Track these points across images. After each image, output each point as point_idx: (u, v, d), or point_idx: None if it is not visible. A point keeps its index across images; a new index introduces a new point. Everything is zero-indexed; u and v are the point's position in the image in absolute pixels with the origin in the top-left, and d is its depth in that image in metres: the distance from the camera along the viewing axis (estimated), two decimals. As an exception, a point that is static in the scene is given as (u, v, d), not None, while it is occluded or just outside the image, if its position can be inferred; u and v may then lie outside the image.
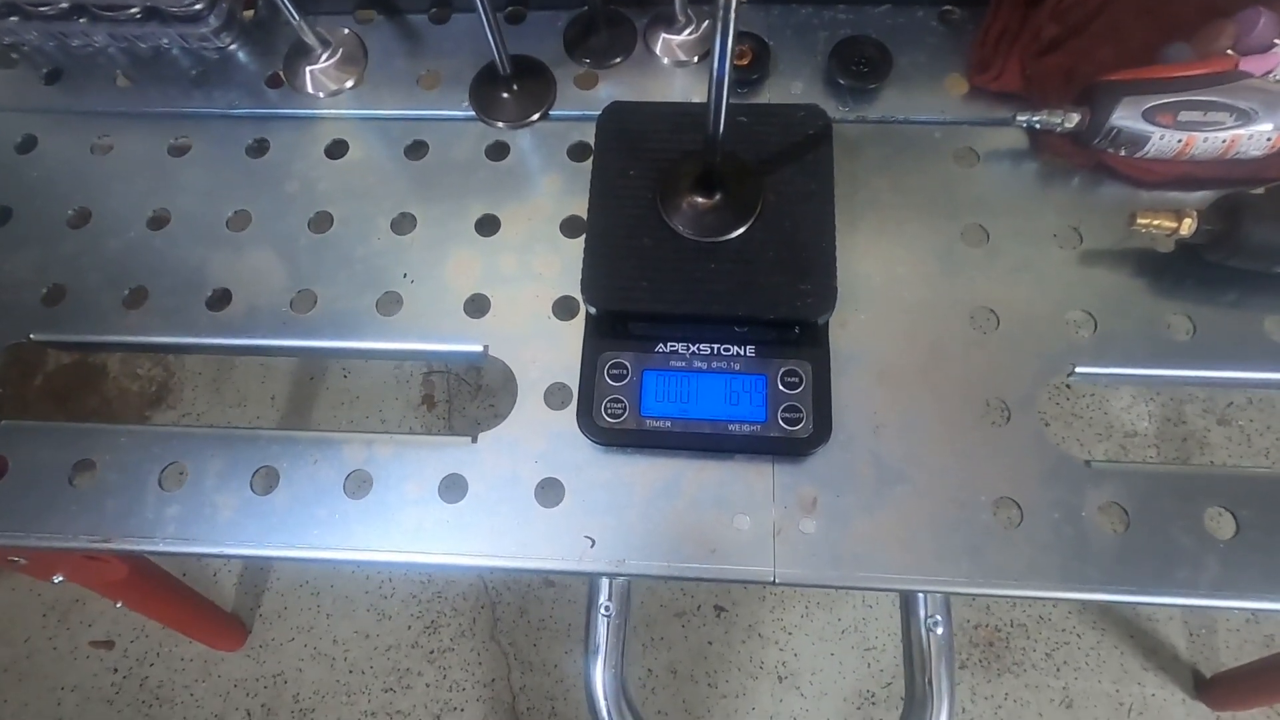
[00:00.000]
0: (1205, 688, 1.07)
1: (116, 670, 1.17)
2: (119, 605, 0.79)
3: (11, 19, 0.53)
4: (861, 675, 1.11)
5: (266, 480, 0.44)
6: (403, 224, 0.50)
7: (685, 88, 0.54)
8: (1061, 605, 1.15)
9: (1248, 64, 0.46)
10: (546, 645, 1.16)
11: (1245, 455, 1.21)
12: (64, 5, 0.51)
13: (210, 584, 1.19)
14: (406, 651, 1.17)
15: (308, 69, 0.54)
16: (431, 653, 1.17)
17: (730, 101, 0.37)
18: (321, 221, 0.51)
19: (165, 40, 0.54)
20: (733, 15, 0.31)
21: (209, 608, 1.05)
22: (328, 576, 1.23)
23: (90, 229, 0.51)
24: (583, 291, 0.43)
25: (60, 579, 0.66)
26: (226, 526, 0.43)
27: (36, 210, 0.52)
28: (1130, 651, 1.12)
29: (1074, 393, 1.27)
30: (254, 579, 1.23)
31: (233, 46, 0.55)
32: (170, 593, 0.89)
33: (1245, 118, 0.45)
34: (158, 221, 0.51)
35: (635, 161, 0.45)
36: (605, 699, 0.44)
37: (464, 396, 1.32)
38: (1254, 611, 0.41)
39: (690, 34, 0.53)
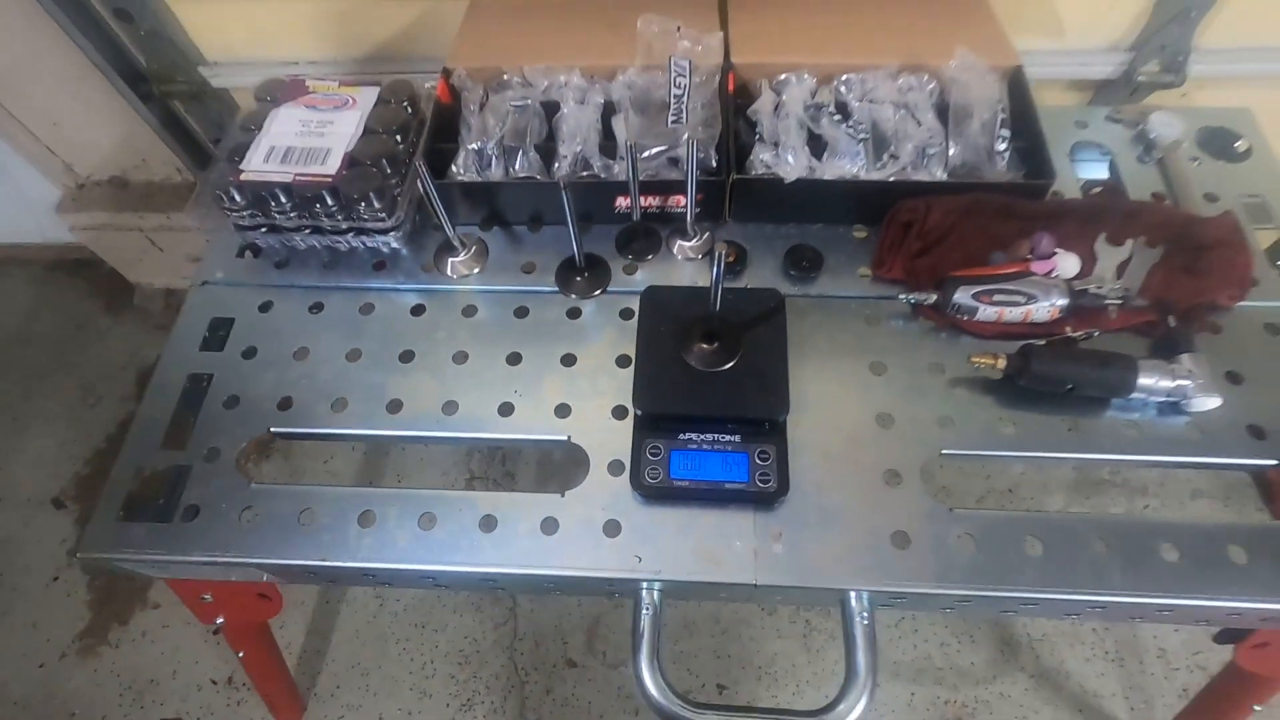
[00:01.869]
0: (1145, 755, 1.22)
1: (185, 745, 1.31)
2: (240, 655, 0.98)
3: (261, 230, 0.83)
4: (847, 746, 1.26)
5: (428, 521, 0.69)
6: (514, 359, 0.78)
7: (693, 274, 0.83)
8: (1020, 684, 1.32)
9: (1036, 267, 0.76)
10: (569, 721, 1.32)
11: (1149, 497, 1.46)
12: (303, 226, 0.81)
13: (276, 663, 1.35)
14: (445, 727, 1.32)
15: (450, 260, 0.84)
16: (468, 728, 1.32)
17: (722, 286, 0.65)
18: (460, 357, 0.78)
19: (359, 243, 0.84)
20: (722, 257, 0.60)
21: (289, 679, 1.22)
22: (376, 658, 1.40)
23: (308, 361, 0.79)
24: (634, 401, 0.70)
25: (221, 620, 0.87)
26: (403, 551, 0.67)
27: (273, 349, 0.80)
28: (1081, 726, 1.28)
29: (1015, 496, 1.51)
30: (310, 660, 1.39)
31: (400, 245, 0.85)
32: (274, 654, 1.08)
33: (1033, 299, 0.74)
34: (353, 356, 0.79)
35: (664, 322, 0.73)
36: (648, 674, 0.65)
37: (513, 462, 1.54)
38: (1056, 601, 0.64)
39: (696, 241, 0.84)
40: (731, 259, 0.82)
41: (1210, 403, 0.69)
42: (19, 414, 1.70)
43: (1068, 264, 0.77)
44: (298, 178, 0.79)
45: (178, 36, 1.18)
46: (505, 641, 1.40)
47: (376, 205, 0.78)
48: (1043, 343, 0.73)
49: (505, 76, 0.89)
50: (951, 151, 0.80)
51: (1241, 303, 0.76)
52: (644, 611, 0.66)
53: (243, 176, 0.79)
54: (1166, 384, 0.69)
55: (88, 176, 1.61)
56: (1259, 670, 0.81)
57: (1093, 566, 0.64)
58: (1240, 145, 0.91)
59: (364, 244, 0.84)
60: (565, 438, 0.73)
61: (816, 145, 0.82)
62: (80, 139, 1.51)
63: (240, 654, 0.98)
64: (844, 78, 0.86)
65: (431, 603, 1.45)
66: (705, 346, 0.71)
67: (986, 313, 0.74)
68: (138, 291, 1.84)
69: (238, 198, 0.79)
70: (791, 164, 0.79)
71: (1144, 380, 0.69)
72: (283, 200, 0.79)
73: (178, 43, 1.18)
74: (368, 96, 0.86)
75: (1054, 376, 0.70)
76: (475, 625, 1.42)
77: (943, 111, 0.83)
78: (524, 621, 1.42)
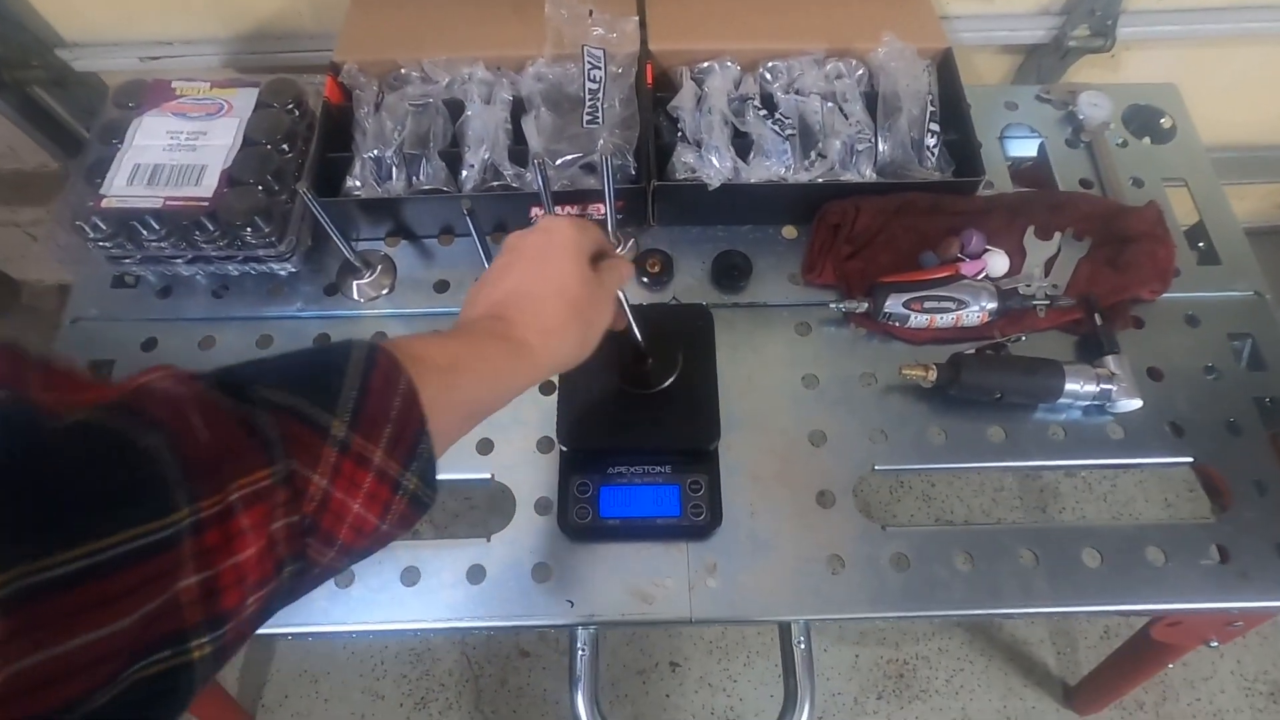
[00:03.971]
0: (1071, 695, 1.31)
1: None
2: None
3: (134, 255, 0.75)
4: (796, 712, 1.31)
5: (345, 578, 0.65)
6: (429, 391, 0.73)
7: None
8: (957, 637, 1.38)
9: (965, 268, 0.74)
10: (525, 711, 1.33)
11: (1089, 500, 1.50)
12: (180, 255, 0.73)
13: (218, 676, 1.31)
14: (400, 728, 1.31)
15: (354, 282, 0.77)
16: (423, 726, 1.31)
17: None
18: (371, 392, 0.73)
19: (250, 268, 0.77)
20: (627, 306, 0.56)
21: (229, 699, 1.19)
22: (324, 663, 1.37)
23: (202, 405, 0.72)
24: (557, 435, 0.66)
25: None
26: (319, 611, 0.63)
27: (161, 393, 0.72)
28: (1013, 672, 1.36)
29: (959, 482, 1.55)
30: (255, 671, 1.36)
31: (296, 267, 0.78)
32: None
33: (963, 304, 0.72)
34: (252, 397, 0.72)
35: (587, 347, 0.69)
36: (585, 714, 0.64)
37: (442, 492, 1.51)
38: (982, 616, 0.65)
39: (621, 250, 0.79)
40: (657, 268, 0.78)
41: (1132, 404, 0.70)
42: (-96, 433, 1.56)
43: (997, 263, 0.76)
44: (168, 202, 0.70)
45: (27, 17, 1.03)
46: (456, 636, 1.39)
47: (264, 229, 0.71)
48: (971, 351, 0.72)
49: (402, 70, 0.81)
50: (881, 149, 0.76)
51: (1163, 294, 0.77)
52: (579, 653, 0.64)
53: (105, 203, 0.70)
54: (1091, 388, 0.69)
55: (-52, 168, 1.44)
56: (1171, 641, 0.85)
57: (1020, 579, 0.65)
58: (1165, 122, 0.91)
59: (254, 269, 0.76)
60: (489, 476, 0.69)
61: (742, 142, 0.77)
62: (-68, 128, 1.33)
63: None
64: (769, 64, 0.81)
65: (378, 603, 1.42)
66: (630, 374, 0.67)
67: (918, 320, 0.73)
68: (25, 289, 1.68)
69: (102, 226, 0.70)
70: (716, 166, 0.74)
71: (1070, 386, 0.69)
72: (155, 227, 0.70)
73: (27, 24, 1.03)
74: (245, 100, 0.77)
75: (983, 386, 0.70)
76: (425, 623, 1.41)
77: (871, 100, 0.79)
78: (474, 615, 1.41)
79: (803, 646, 0.65)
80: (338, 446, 0.33)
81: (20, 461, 0.24)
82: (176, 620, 0.27)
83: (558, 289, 0.46)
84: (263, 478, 0.30)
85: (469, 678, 1.36)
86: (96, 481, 0.25)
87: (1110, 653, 1.29)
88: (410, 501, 0.36)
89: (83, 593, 0.24)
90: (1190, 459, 0.70)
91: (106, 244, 0.71)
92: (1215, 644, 0.84)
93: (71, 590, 0.24)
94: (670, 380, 0.67)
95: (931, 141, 0.76)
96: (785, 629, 0.66)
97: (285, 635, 0.64)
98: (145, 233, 0.70)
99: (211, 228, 0.70)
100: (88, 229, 0.70)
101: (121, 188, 0.71)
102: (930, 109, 0.76)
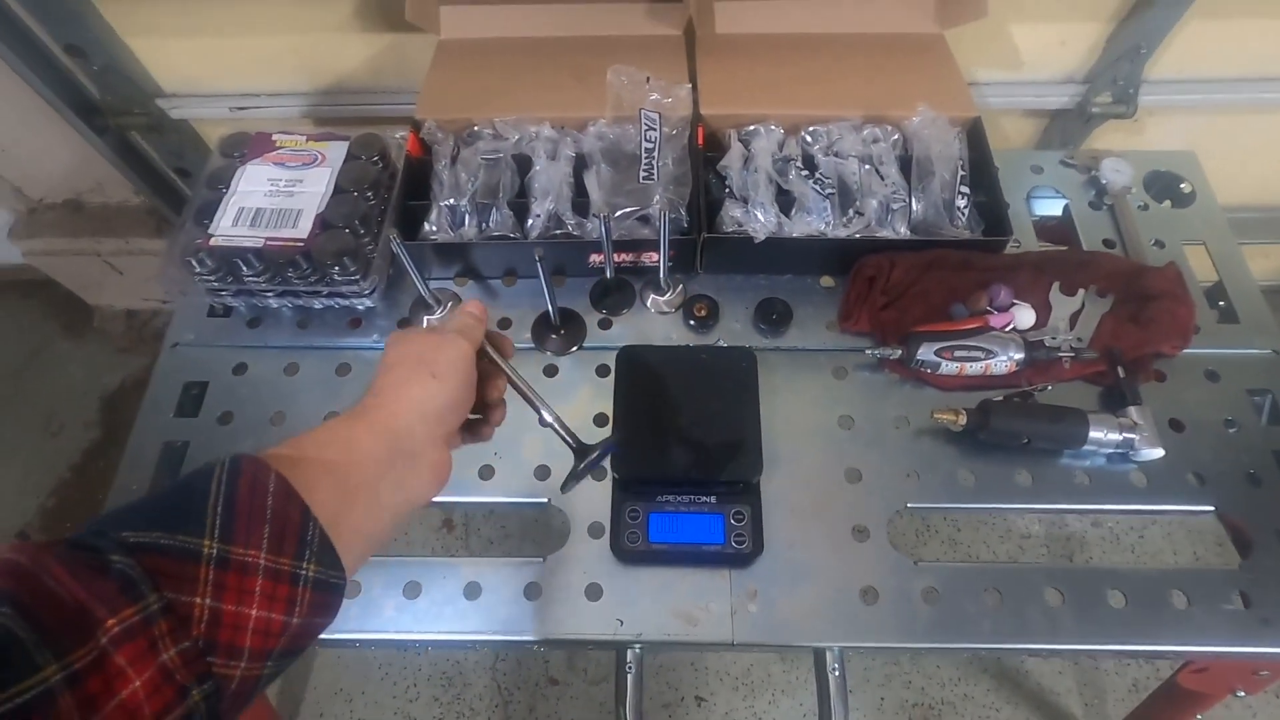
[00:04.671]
0: (1098, 748, 1.30)
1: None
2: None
3: (232, 288, 0.83)
4: (820, 752, 1.32)
5: (413, 590, 0.70)
6: (492, 420, 0.79)
7: (667, 327, 0.85)
8: (982, 684, 1.39)
9: (993, 320, 0.79)
10: (553, 739, 1.35)
11: (1115, 550, 1.51)
12: (274, 288, 0.81)
13: (258, 694, 1.35)
14: (431, 749, 1.34)
15: (426, 317, 0.84)
16: (453, 749, 1.34)
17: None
18: (439, 419, 0.79)
19: (332, 302, 0.84)
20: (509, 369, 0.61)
21: (269, 709, 1.23)
22: (359, 683, 1.41)
23: (285, 426, 0.79)
24: (611, 464, 0.72)
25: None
26: (388, 620, 0.69)
27: (249, 414, 0.79)
28: (1039, 721, 1.35)
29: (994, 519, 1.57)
30: (292, 689, 1.40)
31: (375, 302, 0.85)
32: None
33: (991, 354, 0.77)
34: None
35: (640, 383, 0.75)
36: (632, 730, 0.68)
37: (478, 519, 1.56)
38: (1010, 651, 0.68)
39: (670, 295, 0.85)
40: (704, 313, 0.84)
41: (1155, 453, 0.74)
42: (-24, 445, 1.66)
43: (1024, 316, 0.81)
44: (269, 242, 0.78)
45: (133, 70, 1.15)
46: (487, 662, 1.43)
47: (351, 268, 0.78)
48: (1000, 398, 0.76)
49: (476, 128, 0.89)
50: (914, 208, 0.82)
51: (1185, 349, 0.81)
52: (628, 672, 0.69)
53: (212, 242, 0.78)
54: (1115, 437, 0.73)
55: (40, 200, 1.56)
56: (1199, 689, 0.87)
57: (1046, 617, 0.68)
58: (1185, 187, 0.96)
59: (337, 303, 0.84)
60: (546, 500, 0.74)
61: (785, 199, 0.84)
62: (31, 163, 1.46)
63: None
64: (810, 128, 0.88)
65: (413, 626, 1.46)
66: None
67: (949, 368, 0.77)
68: (97, 314, 1.79)
69: (208, 262, 0.78)
70: (761, 221, 0.81)
71: (1094, 434, 0.73)
72: (255, 264, 0.78)
73: (133, 76, 1.15)
74: (336, 152, 0.85)
75: (1011, 431, 0.74)
76: (457, 648, 1.44)
77: (905, 163, 0.85)
78: (506, 642, 1.45)
79: (837, 674, 0.69)
80: (214, 564, 0.34)
81: None
82: None
83: (393, 358, 0.49)
84: (130, 615, 0.31)
85: (499, 703, 1.39)
86: None
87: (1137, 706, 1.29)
88: (315, 588, 0.37)
89: None
90: (1212, 507, 0.73)
91: (210, 278, 0.79)
92: (1242, 694, 0.85)
93: None
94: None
95: (962, 203, 0.82)
96: (820, 656, 0.69)
97: (354, 641, 0.69)
98: (245, 269, 0.78)
99: (305, 266, 0.78)
100: (195, 264, 0.78)
101: (227, 228, 0.79)
102: (961, 173, 0.82)
